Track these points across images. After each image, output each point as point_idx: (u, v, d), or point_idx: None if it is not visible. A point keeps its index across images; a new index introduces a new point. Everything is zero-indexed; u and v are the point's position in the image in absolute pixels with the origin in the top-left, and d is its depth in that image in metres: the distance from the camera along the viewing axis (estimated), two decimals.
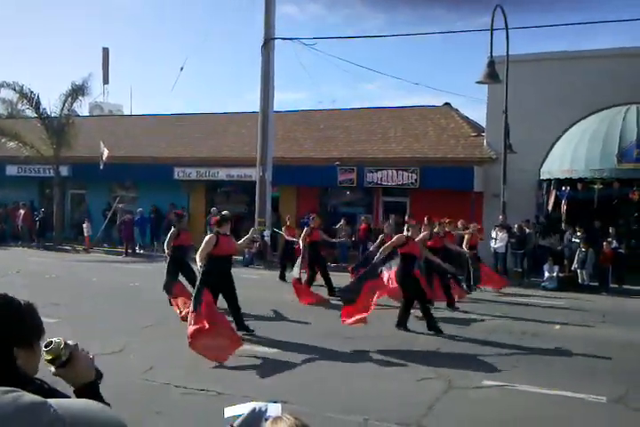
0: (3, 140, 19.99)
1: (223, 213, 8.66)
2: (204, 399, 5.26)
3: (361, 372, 6.35)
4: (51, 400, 1.12)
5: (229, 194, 20.42)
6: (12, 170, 21.65)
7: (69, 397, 1.47)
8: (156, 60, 74.06)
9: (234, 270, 8.19)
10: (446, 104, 19.50)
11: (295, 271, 10.71)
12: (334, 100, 56.01)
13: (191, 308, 6.85)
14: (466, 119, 18.68)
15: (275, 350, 7.12)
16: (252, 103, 39.62)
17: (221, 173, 19.04)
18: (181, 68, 24.12)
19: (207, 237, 7.76)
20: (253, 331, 7.83)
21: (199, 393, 5.41)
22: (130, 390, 5.42)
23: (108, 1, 67.15)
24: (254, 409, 1.90)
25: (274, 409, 1.93)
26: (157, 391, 5.48)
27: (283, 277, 13.06)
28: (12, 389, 1.11)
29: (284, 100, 62.06)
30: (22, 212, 20.27)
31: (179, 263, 9.60)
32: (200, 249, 7.62)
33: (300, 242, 11.43)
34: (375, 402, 5.33)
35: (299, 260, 10.89)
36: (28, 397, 1.09)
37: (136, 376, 5.87)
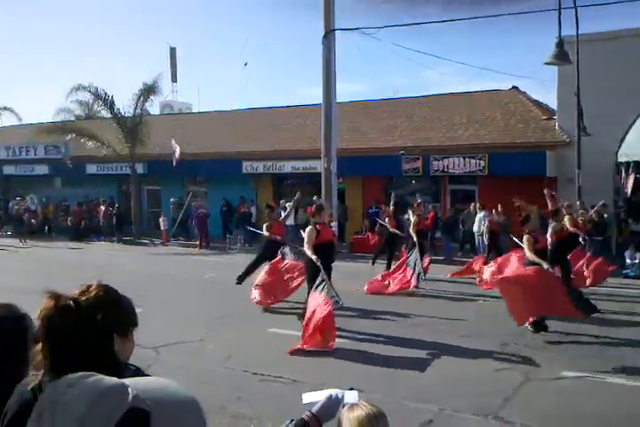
0: (82, 141, 21.15)
1: (318, 202, 8.81)
2: (280, 386, 5.48)
3: (437, 361, 6.39)
4: (127, 381, 1.16)
5: (296, 186, 20.72)
6: (91, 168, 22.89)
7: None
8: (220, 57, 75.69)
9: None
10: (514, 88, 18.87)
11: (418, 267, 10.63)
12: (396, 90, 55.31)
13: (321, 300, 6.95)
14: (535, 102, 18.02)
15: (353, 339, 7.26)
16: (306, 97, 39.82)
17: (287, 166, 19.36)
18: (245, 64, 24.59)
19: (308, 230, 7.85)
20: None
21: (276, 380, 5.64)
22: (212, 377, 5.73)
23: (172, 3, 69.16)
24: (331, 396, 1.99)
25: (351, 396, 2.02)
26: (237, 378, 5.75)
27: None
28: (93, 373, 1.15)
29: (344, 91, 61.95)
30: (102, 208, 21.41)
31: (269, 255, 9.94)
32: (305, 243, 7.73)
33: (412, 232, 11.29)
34: (451, 392, 5.36)
35: (413, 256, 10.78)
36: (110, 380, 1.13)
37: (217, 364, 6.18)
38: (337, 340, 7.06)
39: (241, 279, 10.39)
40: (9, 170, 25.00)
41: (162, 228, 20.29)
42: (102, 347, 1.44)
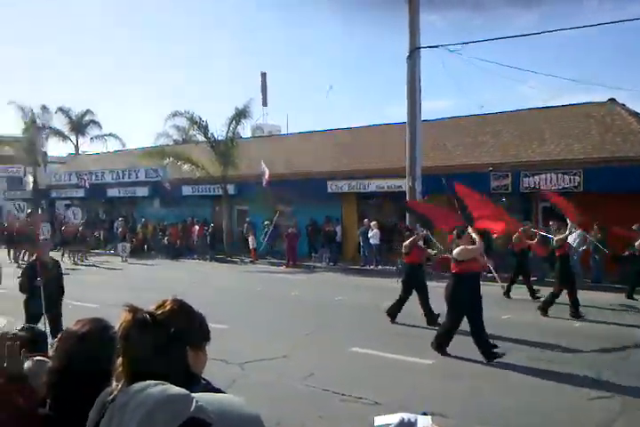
0: (179, 164, 22.44)
1: (459, 226, 7.74)
2: (361, 407, 5.48)
3: (524, 385, 6.12)
4: (194, 394, 1.20)
5: (380, 205, 20.73)
6: (187, 190, 24.18)
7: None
8: (307, 80, 77.78)
9: (387, 281, 8.38)
10: (611, 100, 17.87)
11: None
12: (482, 106, 54.09)
13: None
14: (635, 115, 16.96)
15: (437, 360, 7.14)
16: (391, 116, 39.83)
17: (372, 185, 19.45)
18: (330, 87, 25.12)
19: (458, 250, 7.21)
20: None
21: (357, 401, 5.64)
22: (293, 394, 5.84)
23: (258, 31, 72.22)
24: (403, 420, 1.98)
25: (423, 421, 2.01)
26: (318, 397, 5.81)
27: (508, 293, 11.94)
28: (161, 382, 1.21)
29: (427, 107, 61.41)
30: (197, 227, 22.49)
31: (414, 282, 9.25)
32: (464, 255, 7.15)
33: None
34: (540, 420, 5.12)
35: None
36: (175, 389, 1.17)
37: (298, 381, 6.29)
38: (422, 360, 6.97)
39: (393, 315, 9.34)
40: (113, 192, 26.95)
41: (250, 246, 20.96)
42: (176, 359, 1.49)
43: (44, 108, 30.91)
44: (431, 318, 9.11)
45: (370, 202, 20.98)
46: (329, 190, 20.35)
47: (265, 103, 34.40)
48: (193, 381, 1.49)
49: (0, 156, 35.68)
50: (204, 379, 1.58)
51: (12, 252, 20.72)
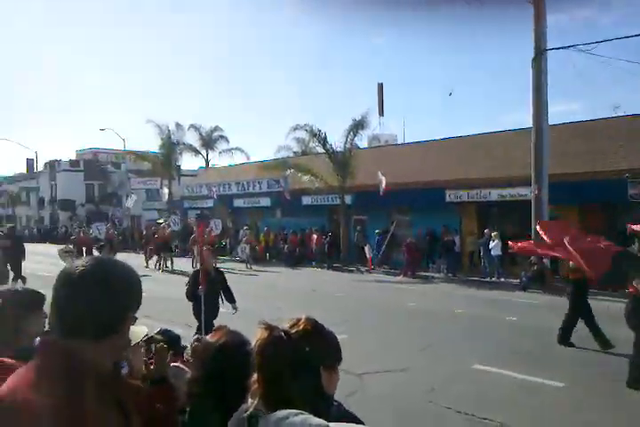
0: (299, 175, 23.22)
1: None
2: None
3: None
4: (332, 424, 1.19)
5: (502, 215, 19.91)
6: (306, 200, 24.92)
7: (360, 421, 1.57)
8: (423, 90, 77.01)
9: (509, 294, 8.04)
10: None
11: None
12: (617, 106, 49.79)
13: None
14: None
15: (565, 382, 6.72)
16: (508, 123, 37.99)
17: (493, 194, 18.77)
18: (450, 94, 24.66)
19: None
20: None
21: (482, 421, 5.45)
22: (415, 410, 5.78)
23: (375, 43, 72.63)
24: None
25: None
26: (441, 414, 5.70)
27: None
28: (302, 412, 1.21)
29: (552, 111, 57.85)
30: (315, 236, 23.06)
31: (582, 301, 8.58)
32: None
33: None
34: None
35: None
36: (315, 420, 1.17)
37: (419, 397, 6.21)
38: (551, 382, 6.59)
39: (565, 340, 8.54)
40: (238, 202, 28.47)
41: (367, 255, 21.08)
42: (309, 379, 1.50)
43: (178, 125, 33.46)
44: (564, 338, 8.52)
45: (491, 211, 20.25)
46: (447, 200, 19.93)
47: (382, 113, 34.46)
48: (327, 402, 1.52)
49: (140, 170, 39.19)
50: (336, 400, 1.61)
51: (150, 258, 22.35)
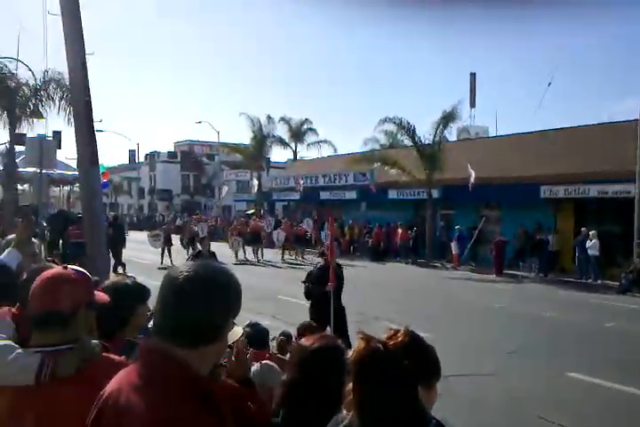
0: (386, 168, 23.03)
1: None
2: None
3: None
4: None
5: (601, 213, 18.74)
6: (392, 194, 24.70)
7: None
8: (519, 80, 73.72)
9: (606, 298, 7.58)
10: None
11: None
12: None
13: None
14: None
15: None
16: (609, 115, 35.35)
17: (592, 190, 17.69)
18: (549, 84, 23.50)
19: None
20: None
21: None
22: (504, 417, 5.61)
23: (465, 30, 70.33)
24: None
25: None
26: (533, 424, 5.50)
27: None
28: None
29: None
30: (400, 231, 22.83)
31: None
32: None
33: None
34: None
35: None
36: None
37: (509, 403, 6.02)
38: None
39: None
40: (324, 195, 28.74)
41: (453, 252, 20.60)
42: (407, 394, 1.45)
43: (269, 118, 34.24)
44: None
45: (589, 209, 19.11)
46: (542, 196, 19.03)
47: (473, 104, 33.49)
48: (426, 419, 1.48)
49: (232, 162, 40.54)
50: (435, 418, 1.55)
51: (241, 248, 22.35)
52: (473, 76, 32.65)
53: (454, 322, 10.44)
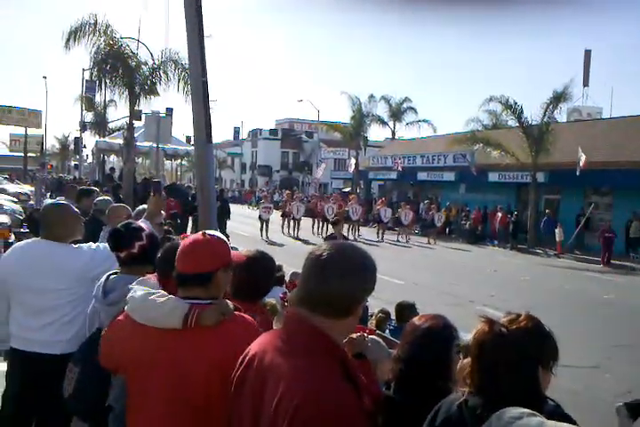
0: (488, 150, 22.25)
1: None
2: None
3: None
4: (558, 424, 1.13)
5: None
6: (493, 176, 23.87)
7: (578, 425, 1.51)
8: (637, 57, 67.50)
9: None
10: None
11: None
12: None
13: None
14: None
15: None
16: None
17: None
18: None
19: None
20: None
21: None
22: (605, 412, 5.42)
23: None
24: None
25: None
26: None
27: None
28: (534, 413, 1.16)
29: None
30: (499, 215, 22.08)
31: None
32: None
33: None
34: None
35: None
36: (550, 423, 1.12)
37: (612, 398, 5.79)
38: None
39: None
40: (422, 176, 28.34)
41: (557, 239, 19.66)
42: (526, 377, 1.52)
43: (370, 96, 33.99)
44: None
45: None
46: None
47: (586, 83, 31.28)
48: (542, 402, 1.52)
49: (331, 140, 40.89)
50: (553, 400, 1.59)
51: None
52: (588, 53, 30.36)
53: (556, 311, 10.04)
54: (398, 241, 21.38)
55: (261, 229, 19.73)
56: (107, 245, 2.88)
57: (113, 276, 2.64)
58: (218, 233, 2.18)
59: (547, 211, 20.96)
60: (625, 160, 18.64)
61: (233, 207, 20.74)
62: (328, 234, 10.77)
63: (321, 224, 21.58)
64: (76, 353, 2.70)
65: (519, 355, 1.54)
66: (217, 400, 1.83)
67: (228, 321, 1.96)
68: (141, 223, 3.55)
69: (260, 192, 37.12)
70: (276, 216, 21.11)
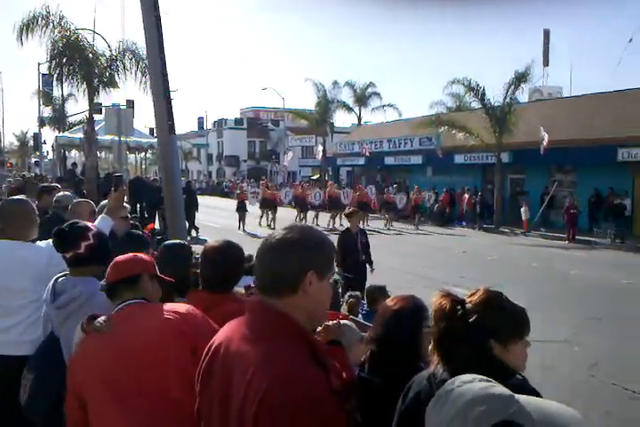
0: (452, 132, 22.45)
1: None
2: None
3: None
4: (519, 396, 1.12)
5: None
6: (459, 158, 24.16)
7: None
8: (597, 36, 68.81)
9: None
10: None
11: None
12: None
13: None
14: None
15: None
16: None
17: None
18: (630, 40, 21.92)
19: None
20: None
21: None
22: (576, 384, 5.61)
23: None
24: None
25: None
26: (604, 391, 5.47)
27: None
28: (488, 379, 1.15)
29: None
30: (466, 196, 22.40)
31: None
32: None
33: None
34: None
35: None
36: (499, 388, 1.11)
37: (582, 370, 5.99)
38: None
39: None
40: (389, 160, 28.49)
41: (523, 217, 20.07)
42: (477, 348, 1.55)
43: (335, 82, 33.88)
44: None
45: None
46: (619, 159, 18.14)
47: (546, 63, 31.76)
48: (505, 375, 1.51)
49: (297, 127, 40.68)
50: (522, 375, 1.62)
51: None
52: (547, 33, 30.81)
53: (525, 288, 10.25)
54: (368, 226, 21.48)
55: (240, 221, 19.19)
56: None
57: (61, 278, 2.55)
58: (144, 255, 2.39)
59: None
60: (586, 138, 19.06)
61: (201, 199, 20.49)
62: (344, 228, 8.06)
63: (315, 214, 21.34)
64: (31, 359, 2.64)
65: (467, 326, 1.57)
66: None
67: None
68: (101, 220, 3.45)
69: (228, 182, 36.67)
70: (253, 208, 20.82)
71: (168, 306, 2.19)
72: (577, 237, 17.89)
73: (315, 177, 35.68)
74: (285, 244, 1.47)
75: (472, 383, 1.13)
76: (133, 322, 2.10)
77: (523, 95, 23.51)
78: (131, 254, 2.31)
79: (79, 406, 2.08)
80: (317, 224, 20.63)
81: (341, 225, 20.67)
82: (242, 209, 19.51)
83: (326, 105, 33.13)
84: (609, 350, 6.72)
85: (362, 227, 8.25)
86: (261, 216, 20.80)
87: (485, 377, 1.17)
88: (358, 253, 7.39)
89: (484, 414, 1.05)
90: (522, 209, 20.15)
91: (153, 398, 1.99)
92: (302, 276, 1.46)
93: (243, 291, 2.73)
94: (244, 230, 18.67)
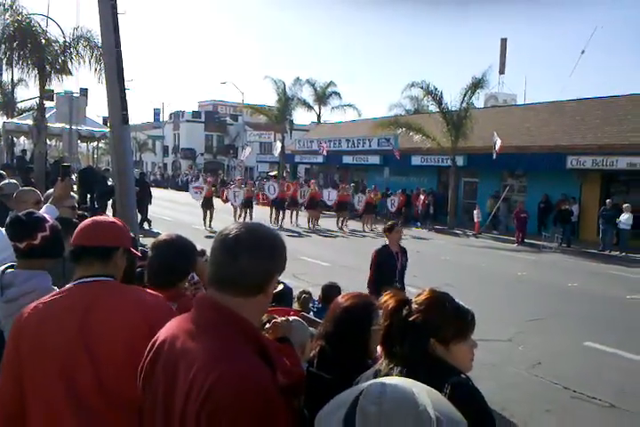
0: (410, 134, 22.75)
1: None
2: (595, 408, 5.17)
3: None
4: (416, 388, 1.00)
5: (629, 185, 18.44)
6: (415, 160, 24.50)
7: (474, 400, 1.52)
8: (551, 47, 71.17)
9: (630, 270, 7.58)
10: None
11: None
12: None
13: None
14: None
15: None
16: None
17: (621, 162, 17.35)
18: (582, 52, 22.69)
19: None
20: None
21: (590, 400, 5.32)
22: (519, 382, 5.76)
23: None
24: None
25: None
26: (546, 389, 5.64)
27: None
28: (404, 379, 1.09)
29: None
30: (422, 197, 22.74)
31: None
32: None
33: None
34: None
35: None
36: (395, 379, 1.06)
37: (524, 369, 6.16)
38: None
39: None
40: (347, 159, 28.62)
41: (475, 219, 20.54)
42: (414, 346, 1.61)
43: (297, 79, 33.78)
44: None
45: (616, 181, 18.82)
46: (568, 166, 18.75)
47: (502, 71, 32.58)
48: (444, 373, 1.55)
49: (256, 123, 40.36)
50: (465, 374, 1.62)
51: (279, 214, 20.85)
52: (504, 41, 31.57)
53: (473, 289, 10.51)
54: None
55: (205, 218, 18.11)
56: (4, 232, 2.64)
57: (9, 270, 2.41)
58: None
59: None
60: (538, 145, 19.67)
61: (155, 192, 20.08)
62: (382, 246, 6.91)
63: (292, 213, 20.88)
64: None
65: (406, 324, 1.64)
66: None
67: None
68: (46, 209, 3.32)
69: (189, 174, 35.92)
70: (220, 203, 20.31)
71: (139, 294, 1.97)
72: (526, 240, 18.43)
73: (272, 173, 35.49)
74: (256, 244, 1.43)
75: (378, 380, 1.07)
76: (102, 308, 1.86)
77: (479, 101, 24.10)
78: (111, 220, 2.07)
79: (14, 379, 1.87)
80: (297, 224, 20.55)
81: (318, 225, 20.51)
82: (207, 205, 18.36)
83: (286, 102, 33.04)
84: (552, 349, 6.94)
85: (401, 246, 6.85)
86: (239, 214, 19.82)
87: (409, 379, 1.08)
88: (394, 277, 6.18)
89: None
90: (474, 212, 20.62)
91: (112, 396, 1.86)
92: (270, 278, 1.45)
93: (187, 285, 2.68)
94: (210, 226, 17.78)
